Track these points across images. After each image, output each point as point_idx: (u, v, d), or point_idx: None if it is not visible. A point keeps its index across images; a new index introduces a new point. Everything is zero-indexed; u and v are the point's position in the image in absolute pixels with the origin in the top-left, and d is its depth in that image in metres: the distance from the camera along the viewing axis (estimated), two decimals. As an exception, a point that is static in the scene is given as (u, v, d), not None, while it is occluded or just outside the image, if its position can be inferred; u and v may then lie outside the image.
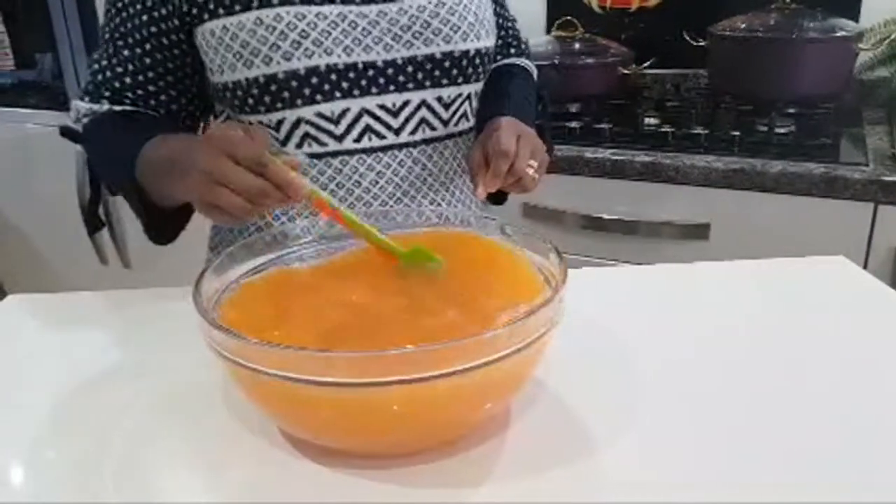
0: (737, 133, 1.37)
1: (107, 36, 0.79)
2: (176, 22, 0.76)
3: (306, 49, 0.73)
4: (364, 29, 0.76)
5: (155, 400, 0.60)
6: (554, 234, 1.43)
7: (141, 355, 0.69)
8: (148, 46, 0.77)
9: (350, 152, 0.77)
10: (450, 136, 0.83)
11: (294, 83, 0.74)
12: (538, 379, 0.59)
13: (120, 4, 0.77)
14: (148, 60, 0.78)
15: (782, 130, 1.42)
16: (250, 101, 0.76)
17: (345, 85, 0.76)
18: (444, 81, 0.80)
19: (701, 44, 1.56)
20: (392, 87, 0.78)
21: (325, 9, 0.74)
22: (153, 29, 0.76)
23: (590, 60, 1.64)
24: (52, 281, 2.34)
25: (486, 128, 0.80)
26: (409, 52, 0.77)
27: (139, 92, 0.79)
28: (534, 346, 0.47)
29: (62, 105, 2.15)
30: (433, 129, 0.81)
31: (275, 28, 0.72)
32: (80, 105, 0.81)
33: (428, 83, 0.79)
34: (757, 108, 1.49)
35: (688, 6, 1.70)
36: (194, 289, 0.52)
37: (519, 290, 0.56)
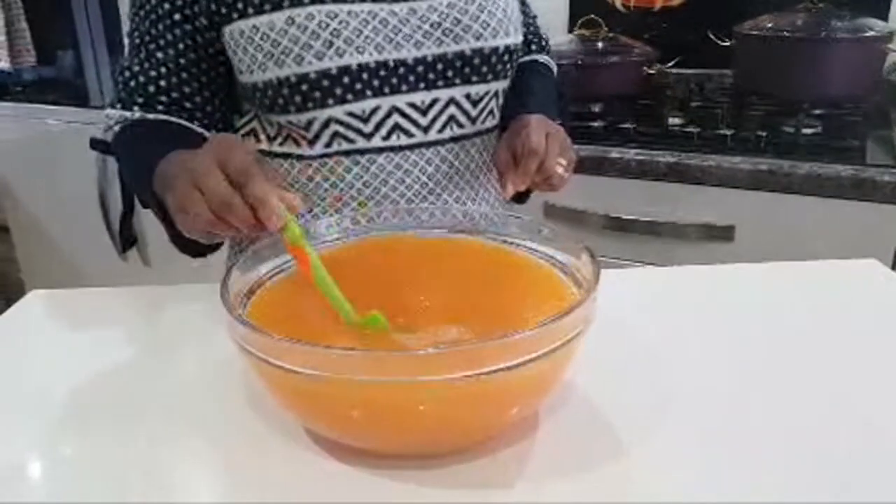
0: (763, 134, 1.35)
1: (137, 41, 0.78)
2: (205, 21, 0.75)
3: (338, 48, 0.72)
4: (395, 27, 0.75)
5: (177, 398, 0.60)
6: (576, 234, 1.41)
7: (162, 353, 0.69)
8: (181, 46, 0.76)
9: (378, 150, 0.77)
10: (477, 134, 0.83)
11: (326, 82, 0.73)
12: (566, 380, 0.58)
13: (148, 7, 0.76)
14: (182, 61, 0.77)
15: (809, 132, 1.40)
16: (280, 100, 0.75)
17: (375, 83, 0.75)
18: (474, 78, 0.79)
19: (726, 43, 1.54)
20: (422, 85, 0.77)
21: (356, 7, 0.73)
22: (187, 27, 0.75)
23: (613, 60, 1.62)
24: (72, 277, 2.35)
25: (513, 125, 0.79)
26: (440, 49, 0.77)
27: (174, 95, 0.78)
28: (565, 349, 0.46)
29: (83, 102, 2.17)
30: (461, 126, 0.80)
31: (306, 27, 0.72)
32: (112, 113, 0.80)
33: (458, 80, 0.79)
34: (783, 108, 1.47)
35: (713, 5, 1.68)
36: (222, 285, 0.51)
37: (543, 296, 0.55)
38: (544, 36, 1.03)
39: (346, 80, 0.74)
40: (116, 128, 0.79)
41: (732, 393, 0.59)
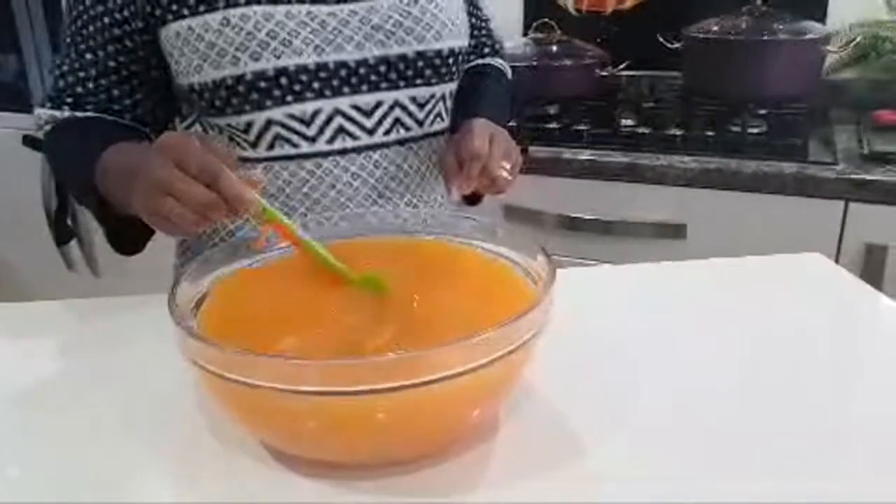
0: (711, 133, 1.38)
1: (68, 41, 0.77)
2: (140, 24, 0.74)
3: (275, 49, 0.72)
4: (335, 28, 0.74)
5: (127, 414, 0.58)
6: (533, 234, 1.43)
7: (111, 367, 0.67)
8: (111, 49, 0.75)
9: (324, 154, 0.76)
10: (425, 137, 0.82)
11: (263, 84, 0.72)
12: (525, 381, 0.59)
13: (81, 7, 0.75)
14: (112, 64, 0.76)
15: (754, 130, 1.44)
16: (218, 102, 0.74)
17: (316, 85, 0.74)
18: (418, 81, 0.79)
19: (675, 46, 1.57)
20: (365, 87, 0.76)
21: (294, 8, 0.73)
22: (116, 31, 0.74)
23: (567, 62, 1.64)
24: (18, 290, 2.28)
25: (459, 130, 0.79)
26: (382, 51, 0.76)
27: (102, 97, 0.77)
28: (522, 350, 0.47)
29: (25, 107, 2.11)
30: (408, 129, 0.80)
31: (242, 28, 0.71)
32: (42, 112, 0.79)
33: (402, 83, 0.78)
34: (730, 108, 1.50)
35: (662, 9, 1.71)
36: (170, 297, 0.50)
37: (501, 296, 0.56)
38: (498, 39, 1.04)
39: (283, 81, 0.73)
40: (47, 127, 0.78)
41: (689, 389, 0.60)
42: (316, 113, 0.75)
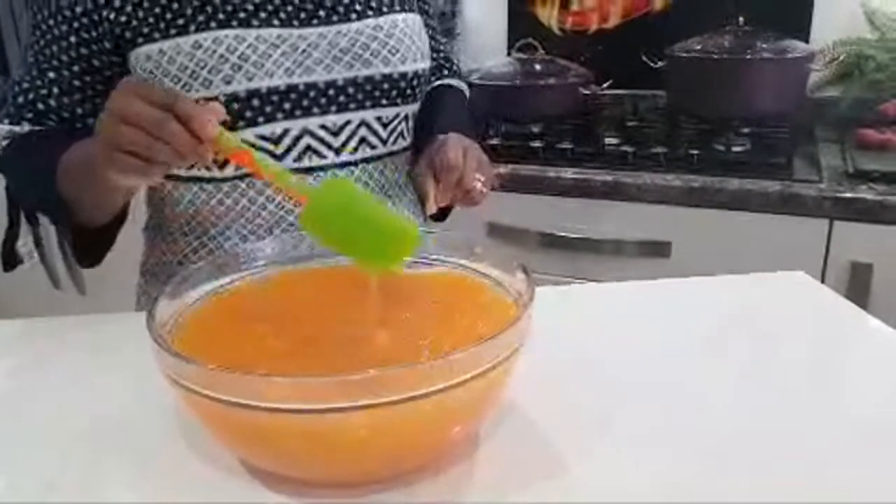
0: (694, 152, 1.39)
1: (31, 59, 0.77)
2: (107, 45, 0.74)
3: (246, 72, 0.73)
4: (304, 51, 0.76)
5: (106, 433, 0.58)
6: (516, 252, 1.43)
7: (90, 385, 0.66)
8: (76, 69, 0.75)
9: (291, 171, 0.76)
10: (389, 155, 0.84)
11: (235, 105, 0.73)
12: (504, 401, 0.58)
13: (45, 26, 0.75)
14: (77, 83, 0.76)
15: (738, 149, 1.45)
16: None
17: (286, 106, 0.75)
18: (384, 102, 0.81)
19: (659, 65, 1.59)
20: (333, 108, 0.78)
21: (265, 31, 0.74)
22: (83, 51, 0.74)
23: (550, 81, 1.65)
24: (3, 308, 2.25)
25: (431, 144, 0.80)
26: (350, 73, 0.78)
27: (65, 115, 0.77)
28: (502, 367, 0.46)
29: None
30: (373, 147, 0.82)
31: (214, 51, 0.72)
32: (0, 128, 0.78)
33: (368, 103, 0.80)
34: (713, 127, 1.51)
35: (645, 28, 1.73)
36: (148, 314, 0.50)
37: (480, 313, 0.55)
38: (455, 60, 1.07)
39: (255, 102, 0.74)
40: (4, 143, 0.78)
41: (671, 407, 0.60)
42: (285, 132, 0.76)
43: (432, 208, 0.74)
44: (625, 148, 1.46)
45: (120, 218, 0.77)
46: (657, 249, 1.36)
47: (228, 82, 0.72)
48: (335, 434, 0.45)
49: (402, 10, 0.84)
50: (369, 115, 0.80)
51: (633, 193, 1.36)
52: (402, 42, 0.82)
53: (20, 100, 0.78)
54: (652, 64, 1.59)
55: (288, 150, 0.76)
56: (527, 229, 1.44)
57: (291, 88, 0.75)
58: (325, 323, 0.56)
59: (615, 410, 0.59)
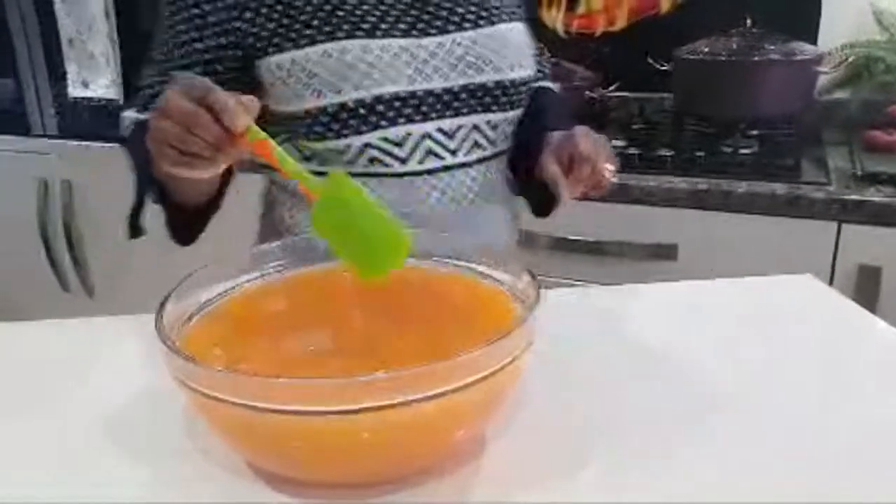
0: (701, 154, 1.39)
1: (160, 57, 0.82)
2: (238, 52, 0.78)
3: (374, 79, 0.77)
4: (424, 60, 0.81)
5: (114, 434, 0.58)
6: (523, 255, 1.43)
7: (96, 386, 0.66)
8: (198, 70, 0.78)
9: (416, 173, 0.82)
10: (495, 156, 0.89)
11: (362, 110, 0.78)
12: (511, 403, 0.58)
13: (173, 31, 0.80)
14: None
15: (746, 151, 1.45)
16: (318, 128, 0.79)
17: (407, 111, 0.80)
18: (494, 107, 0.86)
19: (665, 67, 1.58)
20: (448, 113, 0.83)
21: (387, 42, 0.79)
22: (207, 56, 0.79)
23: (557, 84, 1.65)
24: (12, 310, 2.27)
25: (557, 139, 0.83)
26: (464, 80, 0.83)
27: None
28: (508, 369, 0.47)
29: (24, 130, 2.11)
30: (483, 149, 0.86)
31: (343, 60, 0.77)
32: (128, 115, 0.84)
33: (479, 108, 0.85)
34: (720, 129, 1.51)
35: (652, 30, 1.73)
36: (157, 315, 0.50)
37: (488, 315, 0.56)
38: (546, 65, 1.10)
39: (380, 108, 0.78)
40: (131, 128, 0.83)
41: (678, 409, 0.60)
42: (407, 136, 0.81)
43: (566, 197, 0.78)
44: (631, 150, 1.46)
45: (215, 202, 0.82)
46: (664, 252, 1.36)
47: (356, 88, 0.77)
48: (341, 436, 0.45)
49: (510, 19, 0.89)
50: (480, 119, 0.85)
51: (639, 196, 1.35)
52: (512, 50, 0.87)
53: (148, 92, 0.83)
54: (659, 66, 1.59)
55: (412, 152, 0.81)
56: (533, 232, 1.44)
57: (412, 95, 0.80)
58: (335, 325, 0.56)
59: (621, 411, 0.59)
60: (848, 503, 0.49)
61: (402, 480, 0.50)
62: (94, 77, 1.98)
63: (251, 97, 0.59)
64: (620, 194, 1.36)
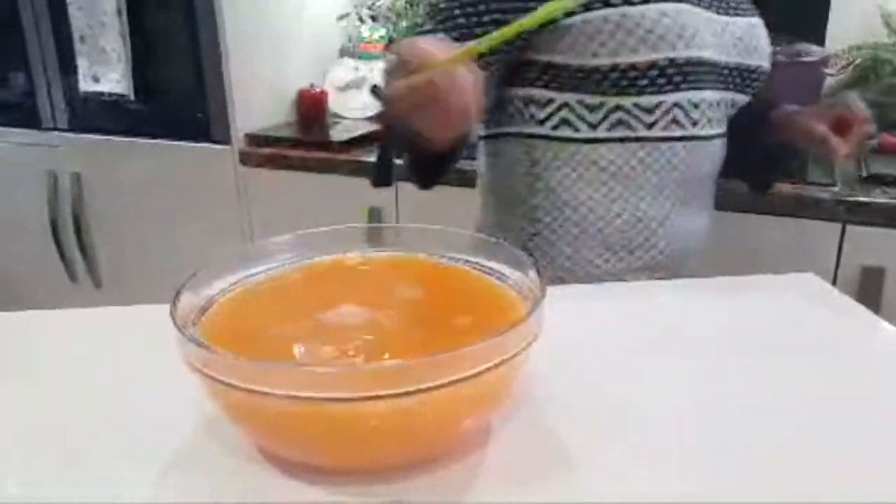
0: (708, 154, 1.39)
1: (439, 17, 0.87)
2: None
3: (686, 41, 0.86)
4: (717, 33, 0.91)
5: (126, 421, 0.59)
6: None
7: (109, 374, 0.68)
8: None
9: (695, 137, 0.91)
10: (720, 135, 0.97)
11: (670, 70, 0.86)
12: (517, 394, 0.60)
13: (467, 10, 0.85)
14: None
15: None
16: (643, 82, 0.86)
17: (702, 77, 0.90)
18: (747, 90, 0.98)
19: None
20: (720, 86, 0.93)
21: (695, 10, 0.89)
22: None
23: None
24: (21, 300, 2.29)
25: (814, 108, 0.97)
26: (737, 59, 0.95)
27: None
28: (513, 361, 0.48)
29: (35, 124, 2.13)
30: (721, 126, 0.96)
31: (676, 21, 0.85)
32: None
33: (737, 88, 0.96)
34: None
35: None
36: (172, 303, 0.51)
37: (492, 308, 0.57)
38: None
39: (686, 69, 0.87)
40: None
41: (681, 404, 0.61)
42: (700, 101, 0.90)
43: (844, 154, 0.89)
44: (638, 150, 1.46)
45: (458, 148, 0.83)
46: (669, 251, 1.36)
47: (687, 47, 0.86)
48: (350, 422, 0.47)
49: (756, 14, 1.00)
50: (733, 97, 0.96)
51: (645, 195, 1.36)
52: (763, 42, 0.98)
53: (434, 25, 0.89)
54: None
55: (700, 116, 0.91)
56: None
57: (704, 62, 0.89)
58: (343, 317, 0.57)
59: (625, 404, 0.60)
60: (850, 503, 0.49)
61: (410, 468, 0.51)
62: (105, 72, 1.99)
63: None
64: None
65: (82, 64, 2.01)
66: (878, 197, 1.22)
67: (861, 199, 1.22)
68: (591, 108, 0.88)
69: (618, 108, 0.87)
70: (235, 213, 1.93)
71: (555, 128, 0.90)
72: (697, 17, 0.87)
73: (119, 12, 1.91)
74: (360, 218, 1.73)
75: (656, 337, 0.73)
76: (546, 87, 0.89)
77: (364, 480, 0.50)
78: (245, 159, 1.88)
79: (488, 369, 0.46)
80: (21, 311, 0.80)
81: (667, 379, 0.65)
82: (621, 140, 0.89)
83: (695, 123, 0.91)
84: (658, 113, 0.88)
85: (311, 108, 2.10)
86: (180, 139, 1.99)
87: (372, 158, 1.68)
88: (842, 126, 0.91)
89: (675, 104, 0.88)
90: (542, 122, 0.91)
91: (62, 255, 2.16)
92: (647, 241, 0.95)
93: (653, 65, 0.85)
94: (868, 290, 1.25)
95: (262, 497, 0.50)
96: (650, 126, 0.88)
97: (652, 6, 0.85)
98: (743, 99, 0.98)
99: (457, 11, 0.86)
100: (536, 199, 0.94)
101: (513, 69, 0.90)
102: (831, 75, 1.51)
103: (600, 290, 0.94)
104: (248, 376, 0.45)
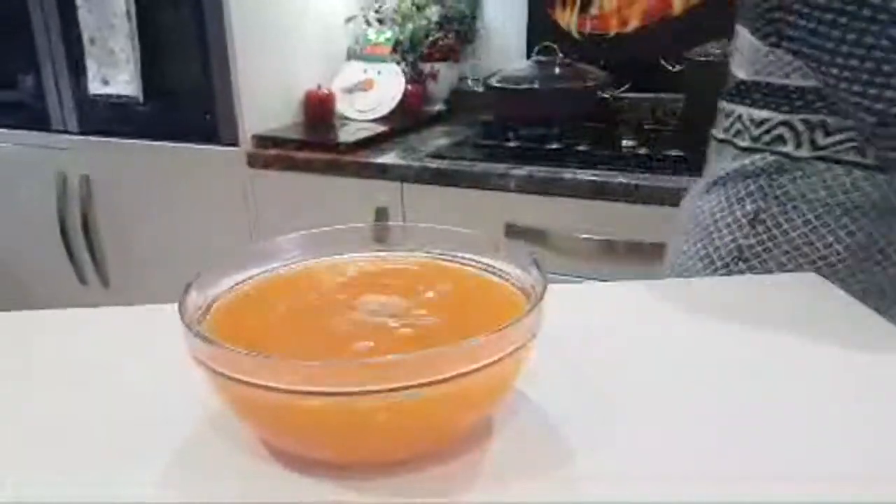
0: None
1: None
2: None
3: None
4: None
5: (131, 420, 0.60)
6: (533, 251, 1.45)
7: (115, 374, 0.69)
8: None
9: None
10: None
11: None
12: (520, 391, 0.60)
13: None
14: None
15: (756, 153, 1.45)
16: None
17: None
18: None
19: (677, 69, 1.60)
20: None
21: None
22: None
23: (569, 84, 1.67)
24: (30, 301, 2.31)
25: None
26: None
27: None
28: (514, 356, 0.49)
29: (44, 125, 2.15)
30: None
31: None
32: None
33: None
34: (731, 131, 1.52)
35: (664, 32, 1.74)
36: (180, 300, 0.52)
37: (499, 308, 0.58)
38: None
39: None
40: None
41: (680, 404, 0.61)
42: None
43: None
44: (642, 151, 1.47)
45: None
46: (673, 251, 1.37)
47: None
48: (353, 417, 0.48)
49: None
50: None
51: (650, 196, 1.37)
52: None
53: None
54: (670, 68, 1.61)
55: None
56: (544, 230, 1.46)
57: None
58: (349, 315, 0.58)
59: (627, 404, 0.60)
60: (851, 503, 0.50)
61: (413, 462, 0.52)
62: (114, 74, 2.01)
63: None
64: (631, 194, 1.38)
65: (91, 66, 2.03)
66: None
67: (864, 199, 1.22)
68: None
69: None
70: (243, 215, 1.94)
71: None
72: None
73: (128, 14, 1.93)
74: (368, 218, 1.74)
75: (657, 335, 0.73)
76: None
77: (368, 474, 0.51)
78: (252, 161, 1.90)
79: (491, 363, 0.47)
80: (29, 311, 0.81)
81: (667, 377, 0.65)
82: None
83: None
84: None
85: (319, 110, 2.12)
86: (188, 141, 2.01)
87: (379, 160, 1.69)
88: None
89: None
90: None
91: (71, 256, 2.18)
92: None
93: None
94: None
95: (266, 490, 0.51)
96: None
97: None
98: None
99: None
100: None
101: None
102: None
103: (600, 288, 0.95)
104: (253, 370, 0.46)
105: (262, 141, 1.94)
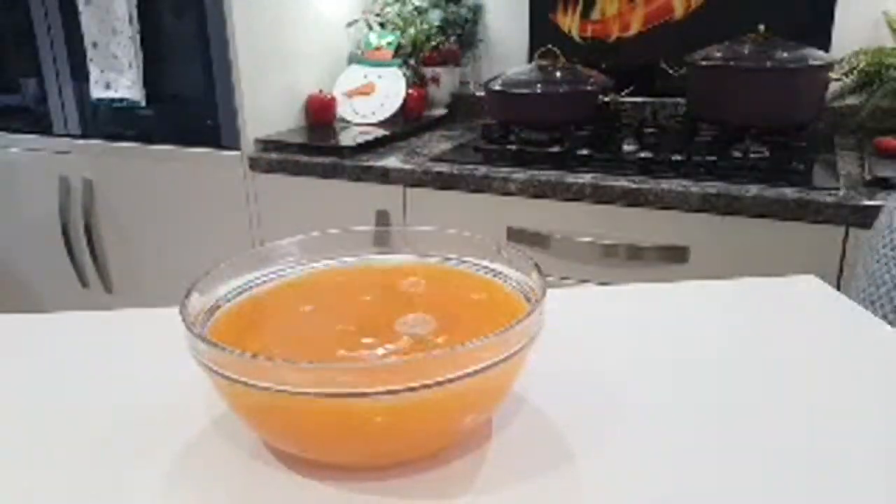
0: (713, 159, 1.40)
1: None
2: None
3: None
4: None
5: (135, 418, 0.60)
6: (537, 256, 1.45)
7: (119, 374, 0.69)
8: None
9: None
10: None
11: None
12: (519, 394, 0.61)
13: None
14: None
15: (757, 156, 1.46)
16: None
17: None
18: None
19: (678, 73, 1.60)
20: None
21: None
22: None
23: (570, 88, 1.68)
24: (33, 305, 2.32)
25: None
26: None
27: None
28: (514, 358, 0.49)
29: (46, 130, 2.16)
30: None
31: None
32: None
33: None
34: (732, 134, 1.52)
35: (665, 36, 1.74)
36: (182, 303, 0.53)
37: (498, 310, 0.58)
38: None
39: None
40: None
41: (680, 407, 0.61)
42: None
43: None
44: (643, 154, 1.48)
45: None
46: (675, 255, 1.38)
47: None
48: (353, 419, 0.48)
49: None
50: None
51: (651, 199, 1.37)
52: None
53: None
54: (671, 72, 1.61)
55: None
56: (545, 234, 1.46)
57: None
58: (350, 317, 0.58)
59: (626, 407, 0.61)
60: (851, 501, 0.50)
61: (412, 464, 0.52)
62: (116, 78, 2.02)
63: None
64: (633, 198, 1.38)
65: (94, 70, 2.03)
66: (882, 200, 1.22)
67: (865, 202, 1.23)
68: None
69: None
70: (245, 218, 1.95)
71: None
72: None
73: (131, 19, 1.93)
74: (370, 222, 1.75)
75: (657, 338, 0.73)
76: None
77: (367, 476, 0.52)
78: (254, 164, 1.90)
79: (491, 366, 0.47)
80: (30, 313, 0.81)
81: (667, 379, 0.65)
82: None
83: None
84: None
85: (320, 114, 2.13)
86: (191, 145, 2.01)
87: (380, 164, 1.70)
88: None
89: None
90: None
91: (73, 261, 2.19)
92: None
93: None
94: (873, 294, 1.25)
95: (267, 492, 0.51)
96: None
97: None
98: None
99: None
100: None
101: None
102: (836, 80, 1.52)
103: (601, 291, 0.95)
104: (254, 373, 0.46)
105: (264, 145, 1.94)
